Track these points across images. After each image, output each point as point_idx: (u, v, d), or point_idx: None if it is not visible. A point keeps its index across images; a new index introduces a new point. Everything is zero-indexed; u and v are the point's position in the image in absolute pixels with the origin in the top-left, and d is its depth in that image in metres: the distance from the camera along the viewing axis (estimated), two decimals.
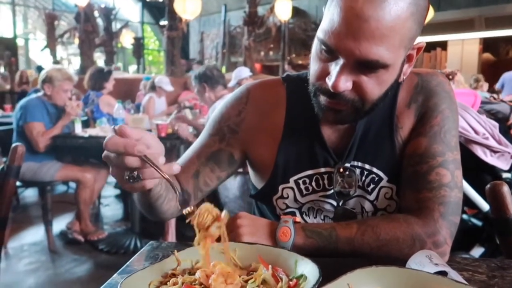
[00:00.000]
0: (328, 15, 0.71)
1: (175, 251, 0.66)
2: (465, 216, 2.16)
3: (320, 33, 0.72)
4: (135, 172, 0.61)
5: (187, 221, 0.64)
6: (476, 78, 5.85)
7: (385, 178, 0.86)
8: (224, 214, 0.63)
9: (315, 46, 0.76)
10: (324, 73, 0.74)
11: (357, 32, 0.66)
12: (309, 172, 0.88)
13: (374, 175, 0.86)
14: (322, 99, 0.77)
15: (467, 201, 1.95)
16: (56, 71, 3.05)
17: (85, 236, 3.05)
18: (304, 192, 0.89)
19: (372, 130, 0.86)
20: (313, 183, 0.88)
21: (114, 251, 2.89)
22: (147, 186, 0.64)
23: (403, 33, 0.69)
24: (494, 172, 1.93)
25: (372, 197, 0.87)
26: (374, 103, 0.76)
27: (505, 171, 1.96)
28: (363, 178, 0.86)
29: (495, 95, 4.62)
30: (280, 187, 0.89)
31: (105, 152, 0.62)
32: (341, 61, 0.70)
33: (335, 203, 0.88)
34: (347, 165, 0.85)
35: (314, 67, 0.77)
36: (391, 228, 0.77)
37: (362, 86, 0.72)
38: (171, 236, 2.95)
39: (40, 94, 3.08)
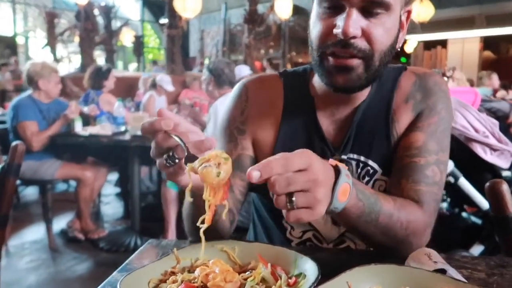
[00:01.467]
0: None
1: (175, 249, 0.67)
2: (464, 214, 2.16)
3: None
4: (171, 152, 0.61)
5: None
6: (480, 76, 5.84)
7: (379, 171, 0.86)
8: (208, 154, 0.59)
9: (314, 11, 0.78)
10: (330, 28, 0.75)
11: None
12: None
13: (369, 168, 0.86)
14: (331, 60, 0.76)
15: (467, 199, 1.95)
16: (42, 66, 2.98)
17: (85, 234, 3.06)
18: None
19: (369, 122, 0.86)
20: None
21: (114, 249, 2.90)
22: (183, 165, 0.62)
23: None
24: (494, 170, 1.93)
25: None
26: (382, 56, 0.77)
27: (505, 169, 1.96)
28: (359, 170, 0.86)
29: (488, 94, 4.60)
30: None
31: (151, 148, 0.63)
32: (346, 9, 0.72)
33: None
34: (344, 157, 0.86)
35: (317, 29, 0.77)
36: (415, 212, 0.77)
37: (370, 32, 0.74)
38: (171, 234, 2.95)
39: (29, 92, 3.03)
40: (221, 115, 0.96)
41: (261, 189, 0.90)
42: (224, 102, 3.28)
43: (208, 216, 0.59)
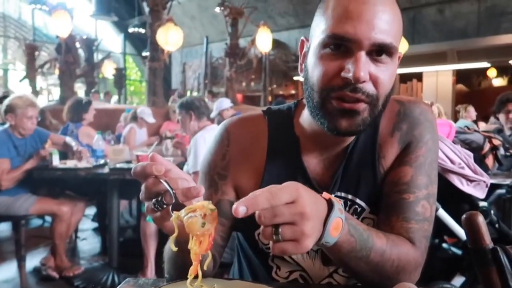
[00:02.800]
0: (328, 14, 0.72)
1: None
2: (445, 245, 2.18)
3: (327, 31, 0.72)
4: (160, 197, 0.62)
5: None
6: (458, 110, 6.04)
7: (367, 209, 0.85)
8: (195, 204, 0.59)
9: (313, 52, 0.76)
10: (335, 71, 0.72)
11: (370, 16, 0.69)
12: None
13: (357, 206, 0.85)
14: (336, 104, 0.73)
15: (446, 230, 1.97)
16: (17, 99, 2.94)
17: (60, 272, 2.93)
18: None
19: (356, 159, 0.85)
20: None
21: None
22: (170, 211, 0.62)
23: (399, 22, 0.74)
24: (471, 201, 1.97)
25: None
26: (384, 100, 0.75)
27: (482, 200, 2.00)
28: (346, 209, 0.84)
29: (468, 125, 4.75)
30: None
31: (141, 192, 0.63)
32: (354, 52, 0.70)
33: None
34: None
35: (319, 71, 0.74)
36: (406, 250, 0.77)
37: (377, 76, 0.72)
38: (150, 271, 2.86)
39: (6, 126, 2.97)
40: (202, 155, 0.95)
41: (246, 229, 0.90)
42: (204, 136, 3.32)
43: (194, 267, 0.60)
